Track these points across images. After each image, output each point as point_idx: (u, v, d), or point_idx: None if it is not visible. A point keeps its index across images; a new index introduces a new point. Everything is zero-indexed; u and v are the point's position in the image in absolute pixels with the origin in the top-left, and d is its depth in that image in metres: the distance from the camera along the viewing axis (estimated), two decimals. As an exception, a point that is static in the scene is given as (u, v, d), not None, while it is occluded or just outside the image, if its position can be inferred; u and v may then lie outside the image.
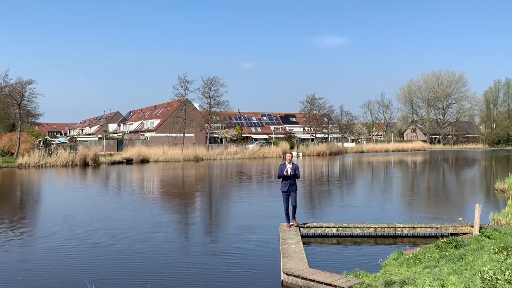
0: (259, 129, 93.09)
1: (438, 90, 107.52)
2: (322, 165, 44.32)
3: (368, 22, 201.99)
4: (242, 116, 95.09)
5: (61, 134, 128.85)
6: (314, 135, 79.95)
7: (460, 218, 11.42)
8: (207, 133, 64.42)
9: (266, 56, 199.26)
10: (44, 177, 30.63)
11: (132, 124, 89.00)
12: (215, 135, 75.73)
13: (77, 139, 76.38)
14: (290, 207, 10.82)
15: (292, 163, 10.81)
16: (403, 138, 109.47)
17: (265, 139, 77.04)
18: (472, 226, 10.36)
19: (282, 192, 10.86)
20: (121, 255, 9.74)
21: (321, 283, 6.95)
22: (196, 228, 13.00)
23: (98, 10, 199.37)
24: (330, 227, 11.16)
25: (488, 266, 5.31)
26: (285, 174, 10.66)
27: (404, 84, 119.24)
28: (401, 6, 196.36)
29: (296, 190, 10.88)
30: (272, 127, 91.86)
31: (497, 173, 31.49)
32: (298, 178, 10.89)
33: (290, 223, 10.89)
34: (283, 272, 7.63)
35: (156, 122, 75.46)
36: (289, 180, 10.72)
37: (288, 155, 11.15)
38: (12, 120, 56.46)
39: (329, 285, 6.84)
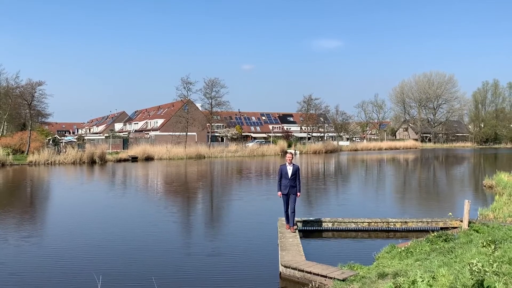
0: (258, 128, 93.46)
1: (429, 91, 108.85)
2: (318, 162, 44.60)
3: (363, 25, 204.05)
4: (242, 115, 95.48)
5: (69, 133, 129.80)
6: (310, 134, 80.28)
7: (450, 213, 11.74)
8: (208, 132, 64.79)
9: (265, 58, 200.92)
10: (53, 174, 30.85)
11: (137, 123, 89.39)
12: (216, 134, 76.14)
13: (85, 137, 76.70)
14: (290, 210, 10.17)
15: (293, 164, 10.18)
16: (395, 137, 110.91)
17: (264, 138, 77.50)
18: (461, 221, 10.66)
19: (282, 194, 10.17)
20: (126, 249, 9.99)
21: (318, 275, 7.21)
22: (197, 223, 13.25)
23: (104, 13, 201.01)
24: (326, 222, 11.41)
25: (476, 258, 5.36)
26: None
27: (397, 85, 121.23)
28: (394, 10, 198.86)
29: (296, 193, 10.13)
30: (270, 126, 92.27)
31: (485, 170, 31.66)
32: (299, 180, 10.18)
33: (290, 225, 10.26)
34: (281, 265, 7.86)
35: (160, 121, 75.73)
36: (289, 182, 10.03)
37: (288, 156, 10.33)
38: (23, 119, 57.52)
39: (325, 277, 7.07)
